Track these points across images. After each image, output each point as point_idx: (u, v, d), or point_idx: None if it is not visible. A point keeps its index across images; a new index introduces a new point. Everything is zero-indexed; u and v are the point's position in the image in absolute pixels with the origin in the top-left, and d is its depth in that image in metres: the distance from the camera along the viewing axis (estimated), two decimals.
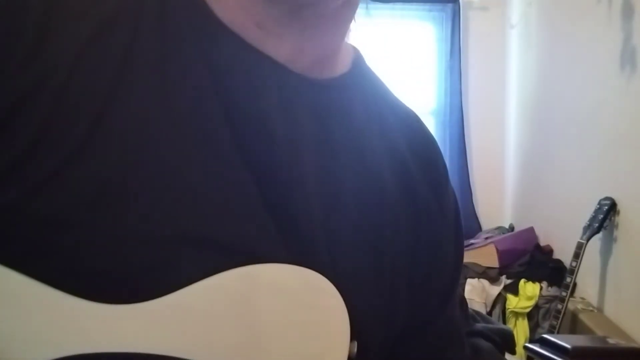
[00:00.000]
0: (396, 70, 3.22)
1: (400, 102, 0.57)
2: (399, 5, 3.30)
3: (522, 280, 2.43)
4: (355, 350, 0.43)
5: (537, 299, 2.33)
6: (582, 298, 2.16)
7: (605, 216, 1.96)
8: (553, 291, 2.32)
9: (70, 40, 0.39)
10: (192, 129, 0.41)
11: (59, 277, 0.36)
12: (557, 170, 2.54)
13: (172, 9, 0.43)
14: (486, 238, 2.85)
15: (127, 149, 0.39)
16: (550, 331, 1.98)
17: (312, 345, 0.42)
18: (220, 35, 0.44)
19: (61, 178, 0.37)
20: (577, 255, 1.98)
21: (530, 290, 2.38)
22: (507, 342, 1.43)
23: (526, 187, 3.04)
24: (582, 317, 1.99)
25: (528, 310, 2.35)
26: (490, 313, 2.41)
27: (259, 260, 0.40)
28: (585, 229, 2.01)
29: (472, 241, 2.81)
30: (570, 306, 2.03)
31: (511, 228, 3.11)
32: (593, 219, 1.99)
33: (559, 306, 2.01)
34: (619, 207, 1.97)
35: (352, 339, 0.43)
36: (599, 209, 1.99)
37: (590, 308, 2.06)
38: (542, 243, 2.68)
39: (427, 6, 3.38)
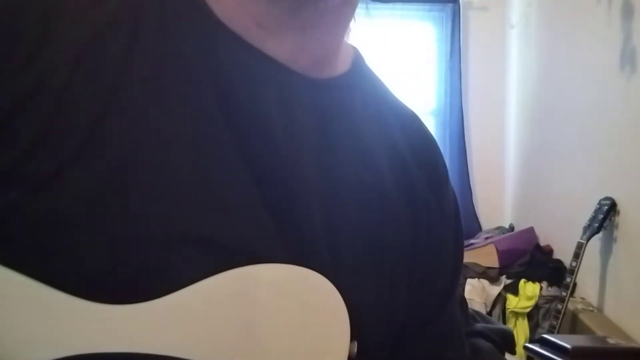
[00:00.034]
0: (396, 70, 3.22)
1: (400, 102, 0.57)
2: (399, 5, 3.30)
3: (522, 280, 2.43)
4: (355, 350, 0.43)
5: (537, 299, 2.33)
6: (582, 298, 2.16)
7: (605, 216, 1.96)
8: (553, 291, 2.32)
9: (70, 41, 0.39)
10: (192, 129, 0.41)
11: (59, 277, 0.36)
12: (557, 170, 2.54)
13: (172, 9, 0.43)
14: (486, 238, 2.85)
15: (127, 149, 0.39)
16: (550, 331, 1.98)
17: (312, 345, 0.42)
18: (220, 35, 0.44)
19: (61, 178, 0.37)
20: (577, 255, 1.98)
21: (530, 290, 2.37)
22: (507, 342, 1.43)
23: (526, 187, 3.04)
24: (582, 317, 1.99)
25: (528, 310, 2.35)
26: (490, 313, 2.41)
27: (259, 260, 0.40)
28: (585, 229, 2.01)
29: (472, 241, 2.81)
30: (570, 306, 2.03)
31: (511, 228, 3.11)
32: (593, 219, 2.00)
33: (559, 306, 2.01)
34: (619, 207, 1.97)
35: (352, 338, 0.43)
36: (599, 209, 1.99)
37: (590, 308, 2.06)
38: (542, 243, 2.68)
39: (427, 6, 3.37)
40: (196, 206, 0.40)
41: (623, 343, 1.66)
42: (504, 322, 2.37)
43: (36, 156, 0.37)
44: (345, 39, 0.53)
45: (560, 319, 1.98)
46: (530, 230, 2.79)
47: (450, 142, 3.33)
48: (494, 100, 3.31)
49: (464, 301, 1.70)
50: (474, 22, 3.35)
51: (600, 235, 2.02)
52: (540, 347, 1.58)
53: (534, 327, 2.32)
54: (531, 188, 2.95)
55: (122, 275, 0.38)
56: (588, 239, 1.98)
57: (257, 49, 0.45)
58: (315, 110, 0.47)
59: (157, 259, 0.38)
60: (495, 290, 2.47)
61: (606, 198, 1.99)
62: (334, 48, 0.50)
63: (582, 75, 2.29)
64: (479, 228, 3.24)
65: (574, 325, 2.01)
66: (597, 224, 1.96)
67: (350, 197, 0.48)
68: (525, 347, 1.70)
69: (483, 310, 2.33)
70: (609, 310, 2.01)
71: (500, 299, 2.45)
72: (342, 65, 0.52)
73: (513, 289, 2.43)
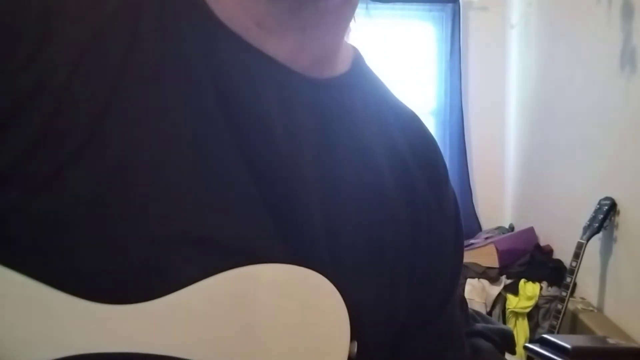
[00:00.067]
0: (396, 70, 3.22)
1: (400, 102, 0.57)
2: (399, 5, 3.30)
3: (522, 280, 2.43)
4: (355, 350, 0.43)
5: (537, 299, 2.33)
6: (582, 298, 2.16)
7: (605, 216, 1.96)
8: (553, 291, 2.32)
9: (70, 41, 0.39)
10: (192, 129, 0.41)
11: (59, 277, 0.36)
12: (557, 170, 2.54)
13: (172, 9, 0.43)
14: (486, 238, 2.85)
15: (127, 149, 0.39)
16: (550, 331, 1.98)
17: (312, 345, 0.42)
18: (220, 35, 0.44)
19: (61, 178, 0.37)
20: (577, 255, 1.98)
21: (530, 290, 2.37)
22: (507, 342, 1.43)
23: (526, 187, 3.04)
24: (582, 317, 1.99)
25: (528, 310, 2.35)
26: (490, 313, 2.41)
27: (259, 260, 0.40)
28: (585, 229, 2.01)
29: (472, 241, 2.81)
30: (570, 306, 2.03)
31: (511, 228, 3.11)
32: (593, 219, 2.00)
33: (559, 306, 2.01)
34: (619, 207, 1.97)
35: (352, 338, 0.43)
36: (599, 209, 1.99)
37: (590, 308, 2.06)
38: (542, 243, 2.68)
39: (427, 6, 3.37)
40: (196, 206, 0.40)
41: (623, 343, 1.66)
42: (504, 322, 2.37)
43: (36, 156, 0.37)
44: (345, 39, 0.53)
45: (560, 319, 1.98)
46: (530, 230, 2.79)
47: (450, 142, 3.32)
48: (494, 100, 3.31)
49: (464, 301, 1.70)
50: (474, 22, 3.34)
51: (600, 235, 2.02)
52: (540, 347, 1.58)
53: (534, 327, 2.32)
54: (531, 188, 2.95)
55: (122, 275, 0.38)
56: (588, 239, 1.98)
57: (257, 49, 0.45)
58: (315, 110, 0.47)
59: (157, 259, 0.38)
60: (495, 290, 2.47)
61: (606, 198, 1.99)
62: (334, 48, 0.50)
63: (582, 75, 2.29)
64: (479, 228, 3.24)
65: (574, 325, 2.01)
66: (597, 224, 1.97)
67: (350, 197, 0.48)
68: (525, 347, 1.70)
69: (483, 310, 2.33)
70: (609, 310, 2.01)
71: (500, 299, 2.45)
72: (342, 65, 0.52)
73: (513, 289, 2.43)
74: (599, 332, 1.81)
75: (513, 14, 3.21)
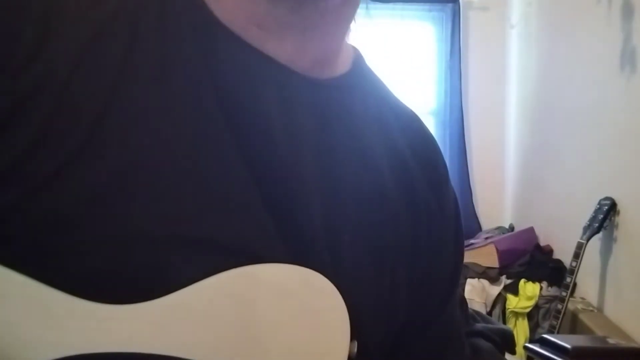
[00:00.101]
0: (396, 70, 3.22)
1: (400, 102, 0.57)
2: (399, 5, 3.30)
3: (522, 280, 2.43)
4: (355, 349, 0.43)
5: (537, 299, 2.33)
6: (582, 298, 2.16)
7: (605, 216, 1.96)
8: (553, 291, 2.32)
9: (70, 41, 0.39)
10: (192, 129, 0.41)
11: (59, 277, 0.36)
12: (557, 170, 2.54)
13: (172, 9, 0.43)
14: (486, 238, 2.85)
15: (127, 149, 0.39)
16: (550, 331, 1.98)
17: (312, 345, 0.42)
18: (220, 35, 0.44)
19: (61, 178, 0.37)
20: (577, 255, 1.98)
21: (530, 290, 2.37)
22: (507, 342, 1.43)
23: (526, 187, 3.04)
24: (582, 317, 1.99)
25: (528, 310, 2.35)
26: (490, 313, 2.41)
27: (259, 260, 0.40)
28: (585, 229, 2.01)
29: (472, 241, 2.81)
30: (570, 306, 2.03)
31: (511, 228, 3.11)
32: (593, 219, 2.00)
33: (559, 306, 2.01)
34: (619, 207, 1.97)
35: (352, 338, 0.43)
36: (599, 209, 1.99)
37: (590, 308, 2.06)
38: (542, 243, 2.68)
39: (427, 6, 3.37)
40: (196, 206, 0.40)
41: (623, 343, 1.66)
42: (504, 322, 2.37)
43: (36, 156, 0.37)
44: (346, 39, 0.52)
45: (560, 319, 1.98)
46: (530, 230, 2.80)
47: (450, 142, 3.33)
48: (494, 100, 3.31)
49: (464, 301, 1.70)
50: (474, 22, 3.34)
51: (600, 235, 2.02)
52: (540, 347, 1.58)
53: (534, 327, 2.32)
54: (531, 188, 2.95)
55: (122, 275, 0.38)
56: (588, 239, 1.98)
57: (257, 50, 0.45)
58: (315, 111, 0.47)
59: (157, 259, 0.38)
60: (495, 290, 2.47)
61: (606, 198, 1.99)
62: (334, 48, 0.50)
63: (582, 75, 2.29)
64: (479, 228, 3.24)
65: (574, 325, 2.02)
66: (597, 224, 1.97)
67: (350, 197, 0.48)
68: (525, 347, 1.70)
69: (483, 310, 2.33)
70: (609, 310, 2.01)
71: (500, 299, 2.45)
72: (342, 66, 0.52)
73: (513, 289, 2.43)
74: (599, 332, 1.81)
75: (513, 14, 3.21)
